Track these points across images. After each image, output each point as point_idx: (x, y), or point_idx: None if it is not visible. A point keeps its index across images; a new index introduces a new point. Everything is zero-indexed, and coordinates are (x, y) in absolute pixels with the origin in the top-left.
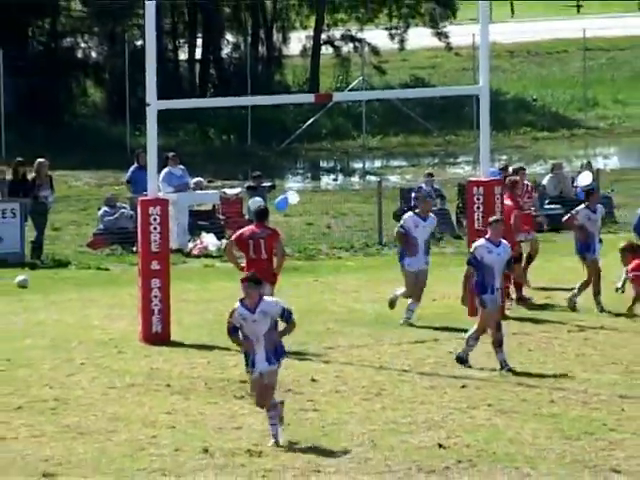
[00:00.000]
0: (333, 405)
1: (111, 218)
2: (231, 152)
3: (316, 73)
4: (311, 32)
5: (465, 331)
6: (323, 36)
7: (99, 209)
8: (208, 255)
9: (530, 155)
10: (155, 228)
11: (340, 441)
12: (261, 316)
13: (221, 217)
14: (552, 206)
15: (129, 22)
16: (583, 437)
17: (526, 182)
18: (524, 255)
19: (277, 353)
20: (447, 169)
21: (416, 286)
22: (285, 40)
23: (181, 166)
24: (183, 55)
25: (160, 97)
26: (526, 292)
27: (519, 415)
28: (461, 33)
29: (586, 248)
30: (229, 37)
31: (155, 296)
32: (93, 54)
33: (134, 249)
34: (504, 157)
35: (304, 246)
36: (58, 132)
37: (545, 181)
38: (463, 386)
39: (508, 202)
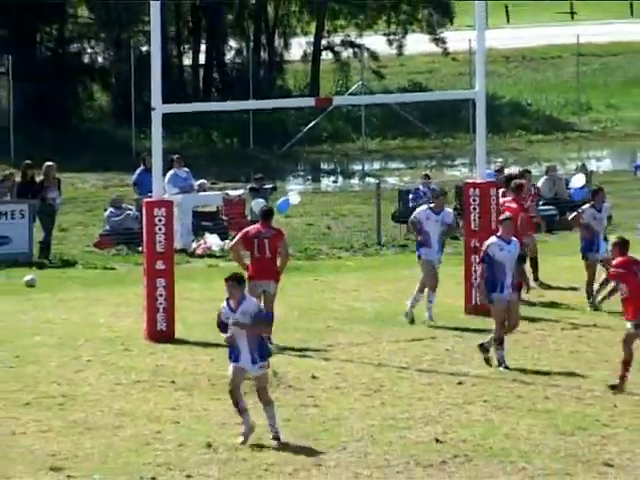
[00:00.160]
0: (333, 401)
1: (117, 219)
2: (234, 155)
3: (316, 78)
4: (312, 38)
5: (464, 330)
6: (323, 42)
7: (105, 210)
8: (211, 255)
9: (525, 158)
10: (160, 229)
11: (340, 436)
12: (241, 316)
13: (224, 218)
14: (547, 207)
15: (135, 28)
16: (577, 432)
17: (530, 185)
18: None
19: (262, 352)
20: (444, 171)
21: (432, 276)
22: (286, 46)
23: (186, 168)
24: (187, 60)
25: (165, 101)
26: (523, 294)
27: (514, 411)
28: (458, 39)
29: (589, 248)
30: (232, 43)
31: (160, 295)
32: (99, 59)
33: (139, 249)
34: (500, 159)
35: (305, 246)
36: (65, 135)
37: (540, 183)
38: (460, 383)
39: (513, 205)
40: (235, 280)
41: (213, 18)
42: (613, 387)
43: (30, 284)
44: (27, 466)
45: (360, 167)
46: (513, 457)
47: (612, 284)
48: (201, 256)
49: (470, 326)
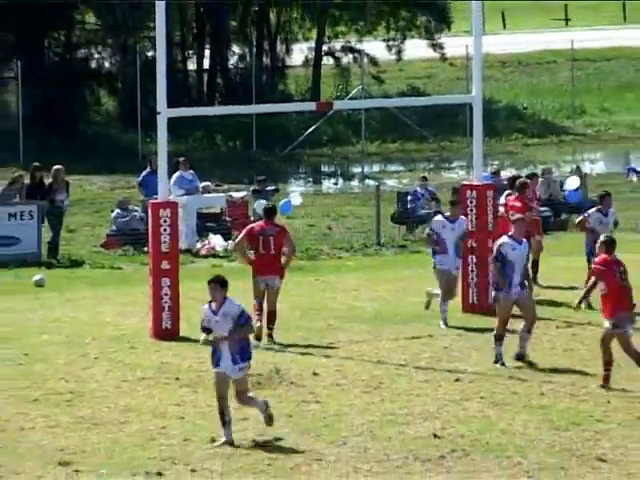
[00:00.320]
0: (334, 397)
1: (123, 220)
2: (237, 157)
3: (317, 82)
4: (313, 44)
5: (461, 328)
6: (324, 47)
7: (112, 211)
8: (215, 255)
9: (521, 160)
10: (165, 230)
11: (340, 431)
12: (222, 318)
13: (228, 219)
14: (542, 209)
15: (140, 34)
16: (571, 428)
17: (536, 189)
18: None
19: (243, 354)
20: (442, 174)
21: (447, 285)
22: (288, 51)
23: (191, 171)
24: (192, 66)
25: (170, 105)
26: None
27: (510, 407)
28: (455, 44)
29: (594, 252)
30: (235, 48)
31: (165, 294)
32: (106, 65)
33: (145, 249)
34: (496, 162)
35: (306, 247)
36: (73, 139)
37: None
38: (457, 379)
39: (517, 204)
40: (217, 282)
41: (217, 24)
42: (603, 385)
43: (39, 284)
44: (36, 461)
45: (360, 169)
46: (509, 452)
47: (593, 279)
48: (205, 256)
49: (467, 324)
